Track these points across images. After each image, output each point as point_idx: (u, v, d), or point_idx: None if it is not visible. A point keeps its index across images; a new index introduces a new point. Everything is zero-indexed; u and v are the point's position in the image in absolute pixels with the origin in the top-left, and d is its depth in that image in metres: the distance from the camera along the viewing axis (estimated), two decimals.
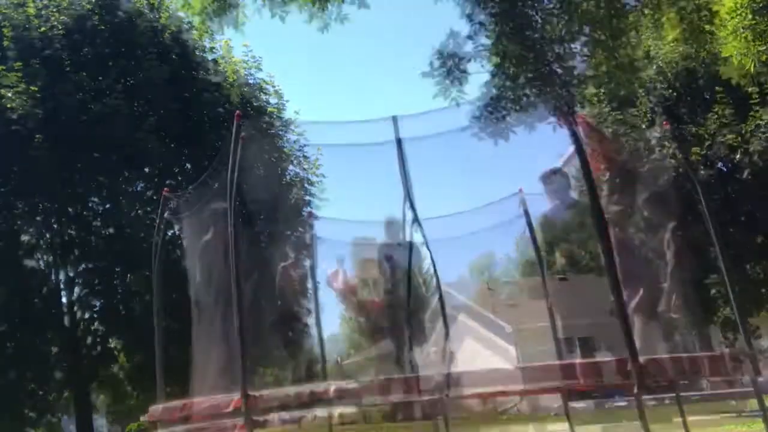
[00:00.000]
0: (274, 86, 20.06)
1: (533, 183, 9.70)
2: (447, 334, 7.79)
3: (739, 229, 17.02)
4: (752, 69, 7.63)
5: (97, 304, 18.18)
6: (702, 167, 16.29)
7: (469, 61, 6.40)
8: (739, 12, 7.39)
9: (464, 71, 6.38)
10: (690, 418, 8.09)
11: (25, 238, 17.93)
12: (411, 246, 8.03)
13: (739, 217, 17.45)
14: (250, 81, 19.73)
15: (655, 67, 17.14)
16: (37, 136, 15.90)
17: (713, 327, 18.04)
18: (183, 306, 8.96)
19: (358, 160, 8.45)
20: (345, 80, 76.96)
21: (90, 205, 18.56)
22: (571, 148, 7.11)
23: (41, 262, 18.29)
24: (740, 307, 8.98)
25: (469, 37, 6.33)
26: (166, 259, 10.39)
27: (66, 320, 17.76)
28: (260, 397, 6.27)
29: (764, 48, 7.42)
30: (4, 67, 16.22)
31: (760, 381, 6.92)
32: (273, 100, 19.99)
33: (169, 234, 12.11)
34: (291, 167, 19.00)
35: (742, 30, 7.37)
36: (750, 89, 13.97)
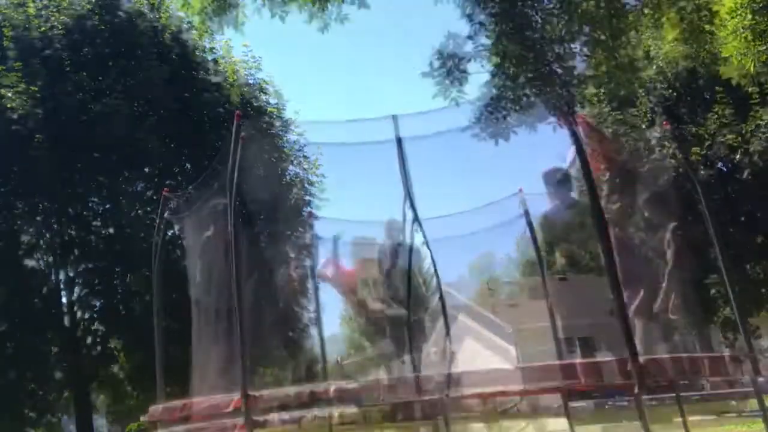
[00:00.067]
0: (274, 86, 20.12)
1: (533, 183, 9.74)
2: (448, 334, 7.79)
3: (739, 229, 17.02)
4: (752, 69, 7.63)
5: (97, 304, 18.15)
6: (702, 167, 16.29)
7: (469, 61, 6.40)
8: (739, 12, 7.38)
9: (464, 71, 6.38)
10: (690, 418, 8.10)
11: (25, 238, 17.88)
12: (411, 246, 8.05)
13: (739, 217, 17.45)
14: (250, 81, 19.72)
15: (655, 67, 17.12)
16: (37, 136, 15.89)
17: (713, 327, 18.03)
18: (183, 306, 8.97)
19: (358, 159, 8.48)
20: (345, 80, 76.90)
21: (90, 205, 18.54)
22: (574, 149, 7.13)
23: (41, 262, 18.26)
24: (740, 307, 8.99)
25: (469, 37, 6.34)
26: (166, 259, 10.41)
27: (66, 320, 17.74)
28: (260, 397, 6.29)
29: (764, 48, 7.42)
30: (4, 67, 16.20)
31: (760, 381, 6.93)
32: (273, 100, 20.00)
33: (169, 234, 12.11)
34: (291, 167, 19.03)
35: (742, 30, 7.37)
36: (750, 89, 13.94)
